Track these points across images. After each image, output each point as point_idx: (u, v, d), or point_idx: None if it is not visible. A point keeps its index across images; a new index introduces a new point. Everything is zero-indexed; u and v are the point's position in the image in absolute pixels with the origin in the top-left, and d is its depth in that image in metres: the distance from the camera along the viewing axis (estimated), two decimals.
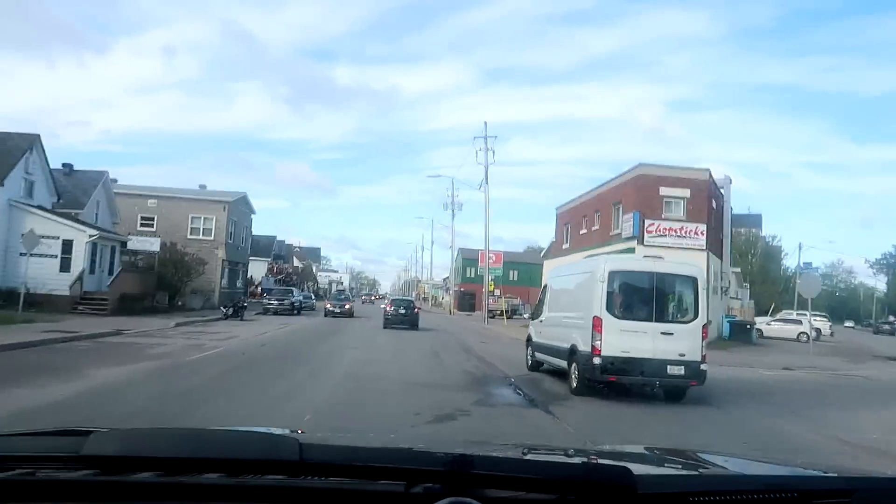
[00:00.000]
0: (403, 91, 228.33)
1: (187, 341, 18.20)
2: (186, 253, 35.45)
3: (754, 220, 61.38)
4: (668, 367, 10.59)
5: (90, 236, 27.10)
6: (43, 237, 26.26)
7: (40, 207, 27.61)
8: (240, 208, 45.34)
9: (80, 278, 26.57)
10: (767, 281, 73.19)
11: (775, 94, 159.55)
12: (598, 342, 10.60)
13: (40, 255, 26.33)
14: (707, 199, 26.80)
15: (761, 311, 45.75)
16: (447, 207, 59.79)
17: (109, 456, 1.37)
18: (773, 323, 41.71)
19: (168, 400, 8.92)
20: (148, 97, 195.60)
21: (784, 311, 48.97)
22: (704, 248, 26.22)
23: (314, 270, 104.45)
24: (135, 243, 31.96)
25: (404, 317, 30.45)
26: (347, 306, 39.07)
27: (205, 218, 41.47)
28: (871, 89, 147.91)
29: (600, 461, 1.93)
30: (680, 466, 2.08)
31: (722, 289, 30.43)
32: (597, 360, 10.59)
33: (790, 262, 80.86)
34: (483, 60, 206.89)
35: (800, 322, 42.90)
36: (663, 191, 26.29)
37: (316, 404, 9.25)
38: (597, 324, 10.69)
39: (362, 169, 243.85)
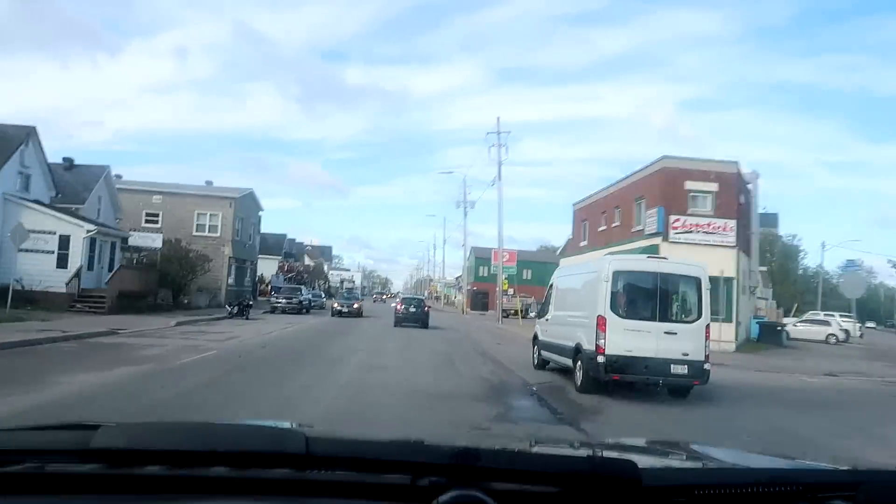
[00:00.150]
0: (415, 91, 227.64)
1: (183, 342, 16.99)
2: (191, 249, 34.36)
3: (770, 220, 60.15)
4: (672, 366, 10.62)
5: (88, 231, 25.99)
6: (38, 232, 25.23)
7: (37, 202, 26.56)
8: (247, 205, 44.22)
9: (77, 275, 25.47)
10: (787, 281, 71.30)
11: (790, 93, 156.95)
12: (602, 341, 10.69)
13: (36, 251, 25.33)
14: (736, 194, 25.19)
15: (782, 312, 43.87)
16: (459, 205, 58.51)
17: (118, 449, 1.37)
18: (799, 324, 39.88)
19: (130, 417, 7.60)
20: (161, 97, 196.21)
21: (811, 312, 47.11)
22: (734, 244, 24.64)
23: (326, 269, 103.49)
24: (136, 239, 30.85)
25: (415, 315, 30.51)
26: (356, 305, 37.28)
27: (211, 214, 40.41)
28: (887, 88, 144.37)
29: (605, 454, 1.95)
30: (684, 459, 2.10)
31: (750, 288, 28.81)
32: (601, 359, 10.66)
33: (809, 261, 78.98)
34: (495, 60, 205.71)
35: (827, 323, 41.20)
36: (689, 185, 24.69)
37: (310, 419, 7.90)
38: (601, 323, 10.78)
39: (374, 169, 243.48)
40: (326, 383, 11.19)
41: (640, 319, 10.93)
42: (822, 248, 68.26)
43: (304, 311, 38.87)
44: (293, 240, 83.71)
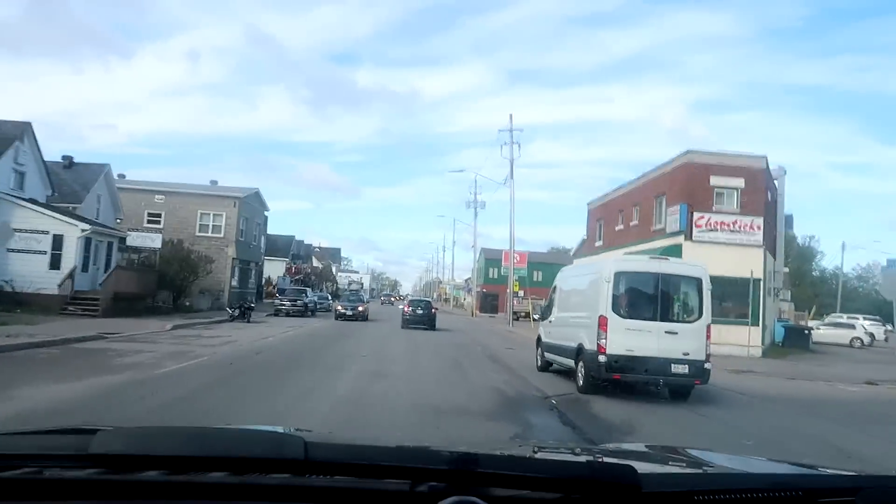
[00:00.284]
0: (425, 93, 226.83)
1: (174, 347, 15.85)
2: (193, 250, 33.30)
3: (787, 222, 58.17)
4: (673, 365, 10.68)
5: (82, 231, 24.91)
6: (31, 231, 24.28)
7: (31, 200, 25.55)
8: (252, 205, 43.14)
9: (70, 276, 24.42)
10: (804, 283, 69.57)
11: (803, 94, 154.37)
12: (604, 341, 10.78)
13: (28, 252, 24.36)
14: (764, 190, 23.76)
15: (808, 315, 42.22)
16: (469, 206, 57.32)
17: (116, 454, 1.37)
18: (821, 327, 38.27)
19: None
20: (172, 101, 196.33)
21: (833, 315, 45.46)
22: (761, 244, 23.23)
23: (334, 271, 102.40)
24: (134, 239, 29.77)
25: (422, 317, 30.88)
26: (361, 308, 34.89)
27: (214, 214, 39.35)
28: None
29: (605, 460, 1.93)
30: (684, 465, 2.07)
31: (775, 290, 27.35)
32: (602, 358, 10.74)
33: (826, 262, 77.19)
34: (505, 62, 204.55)
35: (852, 326, 39.63)
36: (714, 180, 23.27)
37: None
38: (602, 323, 10.88)
39: (384, 171, 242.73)
40: (321, 396, 9.98)
41: (642, 319, 11.00)
42: (842, 250, 66.04)
43: (310, 313, 37.73)
44: (301, 241, 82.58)
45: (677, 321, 11.21)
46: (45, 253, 24.51)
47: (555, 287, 14.95)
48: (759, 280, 22.89)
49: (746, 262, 22.72)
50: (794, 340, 26.81)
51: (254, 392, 10.06)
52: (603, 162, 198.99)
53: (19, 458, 1.40)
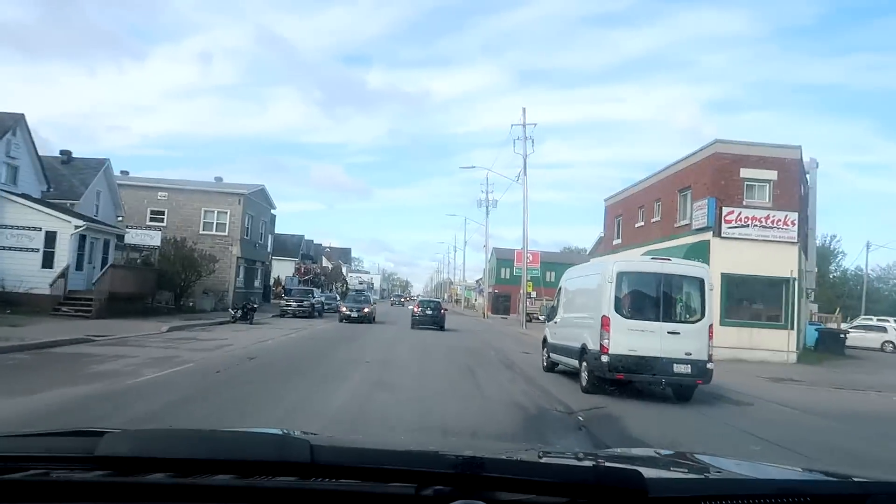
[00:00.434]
0: (436, 94, 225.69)
1: (161, 352, 14.59)
2: (195, 248, 32.11)
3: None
4: (675, 365, 10.75)
5: (76, 227, 23.73)
6: (22, 228, 23.19)
7: (24, 195, 24.42)
8: (257, 202, 41.93)
9: (63, 275, 23.26)
10: (825, 283, 67.48)
11: (817, 93, 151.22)
12: (607, 341, 10.88)
13: (19, 249, 23.27)
14: (798, 183, 22.12)
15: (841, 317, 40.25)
16: (481, 205, 55.88)
17: (122, 457, 1.37)
18: (850, 330, 36.43)
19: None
20: (185, 102, 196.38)
21: (862, 317, 43.53)
22: (796, 240, 21.61)
23: (344, 271, 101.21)
24: (133, 237, 28.59)
25: (431, 318, 31.36)
26: (367, 310, 32.55)
27: (218, 212, 38.17)
28: None
29: (611, 464, 1.92)
30: (691, 470, 2.04)
31: (806, 291, 25.67)
32: (605, 358, 10.84)
33: (847, 262, 74.94)
34: (516, 62, 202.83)
35: (883, 329, 37.80)
36: (744, 172, 21.64)
37: None
38: (605, 323, 10.98)
39: (395, 172, 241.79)
40: (313, 413, 8.64)
41: (644, 319, 11.07)
42: (866, 249, 63.68)
43: (317, 314, 36.45)
44: (311, 241, 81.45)
45: (680, 321, 11.30)
46: (37, 251, 23.40)
47: (560, 288, 14.98)
48: (795, 280, 21.30)
49: (779, 261, 21.17)
50: (829, 345, 25.13)
51: (234, 408, 8.72)
52: (614, 162, 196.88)
53: (26, 460, 1.41)
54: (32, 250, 23.29)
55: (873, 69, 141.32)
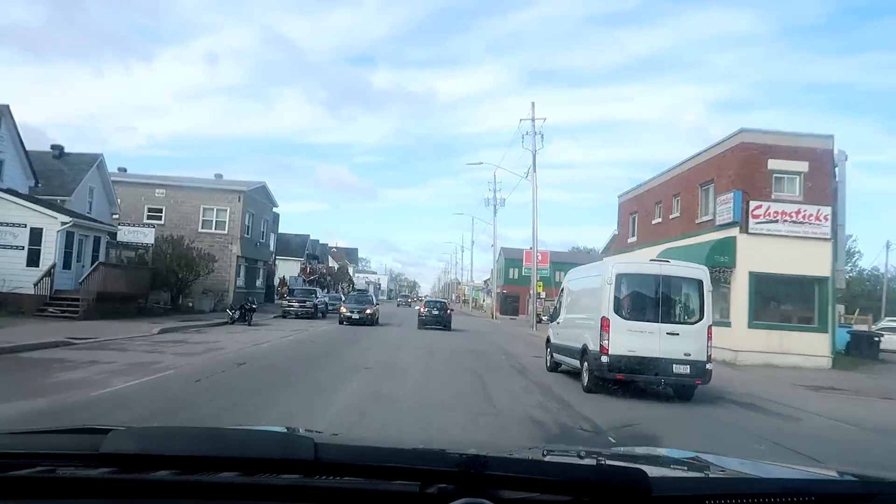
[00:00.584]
0: (443, 94, 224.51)
1: (142, 356, 13.34)
2: (193, 247, 30.89)
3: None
4: (674, 366, 10.83)
5: (62, 224, 22.53)
6: (6, 225, 21.98)
7: (9, 190, 23.25)
8: (258, 199, 40.69)
9: (49, 274, 22.05)
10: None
11: (826, 92, 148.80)
12: (606, 342, 11.01)
13: (2, 247, 22.06)
14: (830, 176, 20.65)
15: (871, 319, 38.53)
16: (488, 204, 54.45)
17: (128, 454, 1.37)
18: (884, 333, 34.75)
19: None
20: (192, 103, 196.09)
21: (887, 318, 41.83)
22: (829, 237, 20.14)
23: (350, 271, 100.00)
24: (125, 234, 27.33)
25: (437, 318, 31.83)
26: (369, 311, 30.45)
27: (218, 209, 36.96)
28: None
29: (615, 463, 1.91)
30: (695, 469, 2.02)
31: (838, 291, 24.13)
32: (605, 359, 10.97)
33: (864, 262, 73.08)
34: (523, 63, 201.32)
35: None
36: (773, 164, 20.18)
37: None
38: (605, 324, 11.11)
39: (402, 172, 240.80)
40: (301, 426, 7.29)
41: (644, 320, 11.16)
42: (886, 249, 61.71)
43: (320, 315, 35.17)
44: (317, 241, 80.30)
45: (679, 322, 11.34)
46: (22, 248, 22.22)
47: (563, 289, 15.02)
48: (828, 279, 19.84)
49: (811, 258, 19.72)
50: (862, 348, 23.59)
51: (207, 424, 7.40)
52: (621, 162, 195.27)
53: (32, 457, 1.41)
54: (17, 248, 22.12)
55: (882, 68, 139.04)
